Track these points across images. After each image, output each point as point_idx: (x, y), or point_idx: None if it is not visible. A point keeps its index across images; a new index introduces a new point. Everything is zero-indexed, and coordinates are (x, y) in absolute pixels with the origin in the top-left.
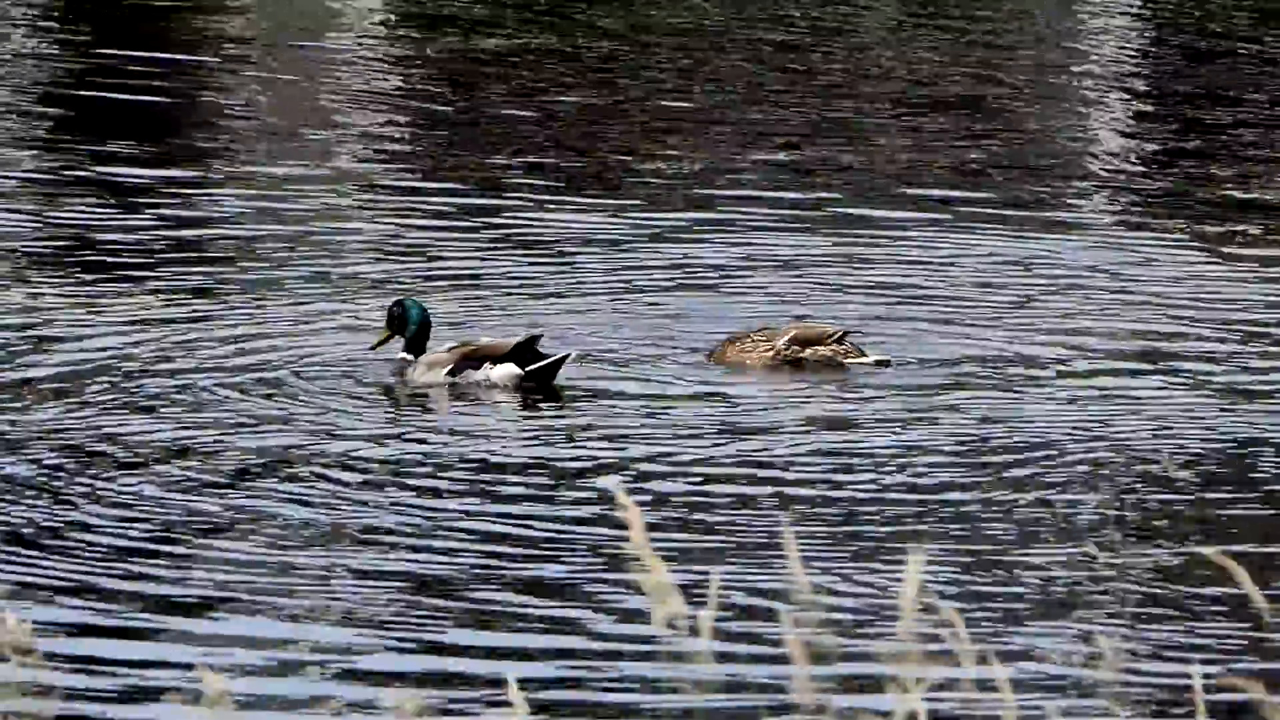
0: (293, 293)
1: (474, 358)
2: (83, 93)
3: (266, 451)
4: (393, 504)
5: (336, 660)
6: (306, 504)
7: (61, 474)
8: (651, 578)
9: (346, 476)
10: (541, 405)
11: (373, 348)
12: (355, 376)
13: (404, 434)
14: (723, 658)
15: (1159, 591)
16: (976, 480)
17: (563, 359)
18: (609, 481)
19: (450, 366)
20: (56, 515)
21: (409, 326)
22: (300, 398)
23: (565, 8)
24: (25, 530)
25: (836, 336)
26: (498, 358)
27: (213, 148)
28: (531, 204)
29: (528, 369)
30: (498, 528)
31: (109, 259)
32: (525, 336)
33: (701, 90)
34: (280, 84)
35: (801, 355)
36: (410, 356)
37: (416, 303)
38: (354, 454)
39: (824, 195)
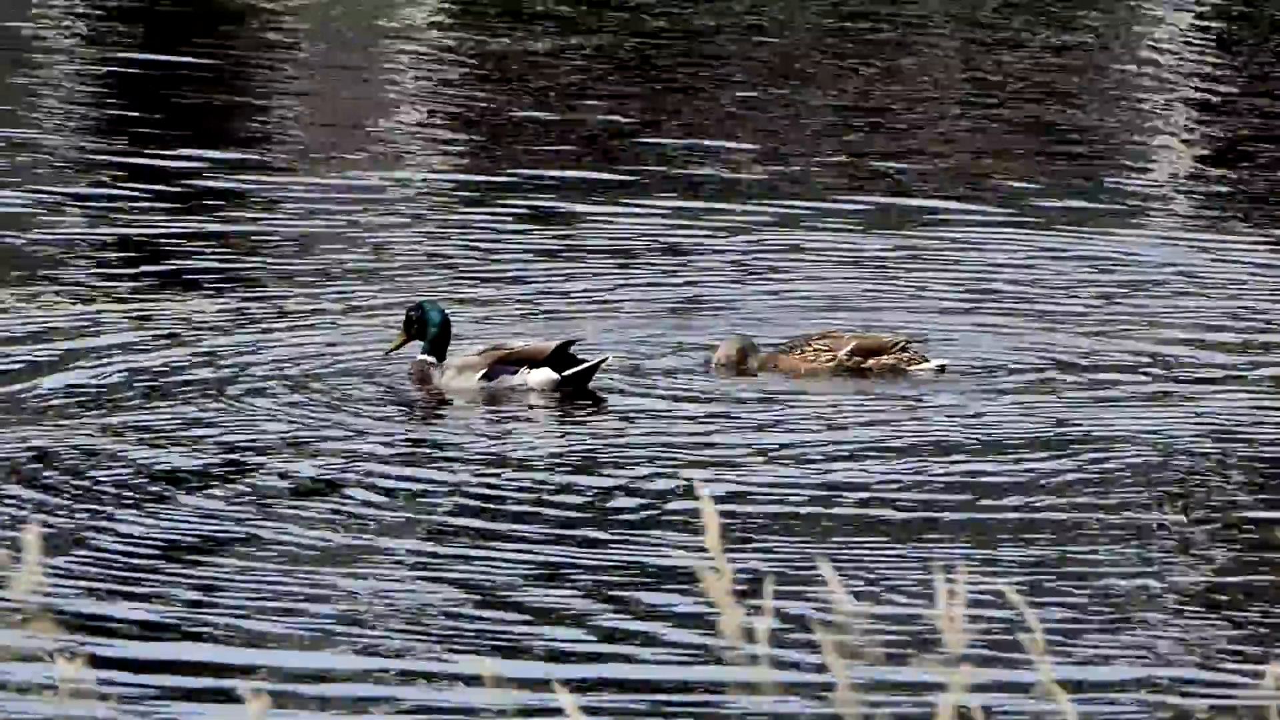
0: (344, 296)
1: (508, 361)
2: (138, 95)
3: (291, 458)
4: (434, 510)
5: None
6: (339, 512)
7: (102, 482)
8: (720, 584)
9: (381, 484)
10: (585, 412)
11: (387, 353)
12: (384, 382)
13: (444, 440)
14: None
15: (1222, 596)
16: (1039, 485)
17: (599, 363)
18: (695, 479)
19: (484, 371)
20: (105, 519)
21: (429, 330)
22: (325, 403)
23: (619, 7)
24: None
25: (899, 346)
26: (535, 362)
27: (266, 151)
28: (588, 205)
29: (565, 374)
30: (546, 534)
31: (162, 264)
32: (562, 340)
33: (761, 88)
34: (334, 85)
35: (864, 365)
36: (432, 360)
37: (436, 305)
38: (389, 462)
39: (887, 195)
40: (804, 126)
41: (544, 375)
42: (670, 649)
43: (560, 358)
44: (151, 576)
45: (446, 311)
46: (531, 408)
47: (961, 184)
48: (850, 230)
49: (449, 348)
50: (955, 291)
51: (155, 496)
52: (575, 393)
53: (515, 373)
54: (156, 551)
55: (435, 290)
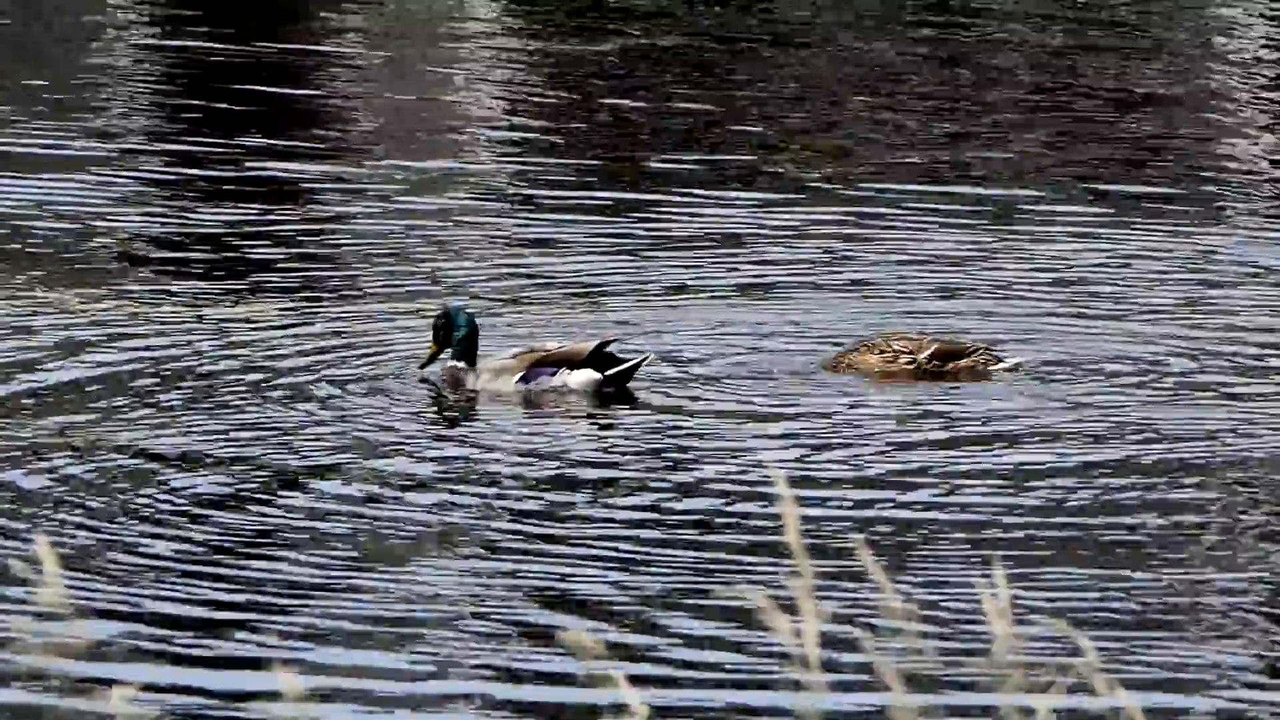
0: (402, 295)
1: (545, 363)
2: (202, 86)
3: (319, 458)
4: (499, 515)
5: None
6: (372, 515)
7: (148, 483)
8: (802, 582)
9: (427, 485)
10: (641, 413)
11: (422, 367)
12: (418, 386)
13: (507, 444)
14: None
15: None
16: (1113, 490)
17: (640, 362)
18: (774, 472)
19: (522, 373)
20: (138, 514)
21: (455, 334)
22: (364, 406)
23: (686, 9)
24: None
25: (976, 351)
26: (574, 363)
27: (333, 146)
28: (663, 203)
29: (607, 373)
30: (607, 536)
31: (224, 259)
32: (601, 341)
33: (839, 86)
34: (401, 81)
35: (944, 369)
36: (463, 364)
37: (462, 310)
38: (434, 464)
39: (970, 191)
40: (883, 122)
41: (586, 376)
42: (735, 656)
43: (600, 358)
44: (194, 579)
45: (475, 315)
46: (590, 413)
47: (1040, 181)
48: (927, 226)
49: (479, 351)
50: (1035, 290)
51: (192, 500)
52: (617, 393)
53: (554, 374)
54: (199, 552)
55: (499, 288)
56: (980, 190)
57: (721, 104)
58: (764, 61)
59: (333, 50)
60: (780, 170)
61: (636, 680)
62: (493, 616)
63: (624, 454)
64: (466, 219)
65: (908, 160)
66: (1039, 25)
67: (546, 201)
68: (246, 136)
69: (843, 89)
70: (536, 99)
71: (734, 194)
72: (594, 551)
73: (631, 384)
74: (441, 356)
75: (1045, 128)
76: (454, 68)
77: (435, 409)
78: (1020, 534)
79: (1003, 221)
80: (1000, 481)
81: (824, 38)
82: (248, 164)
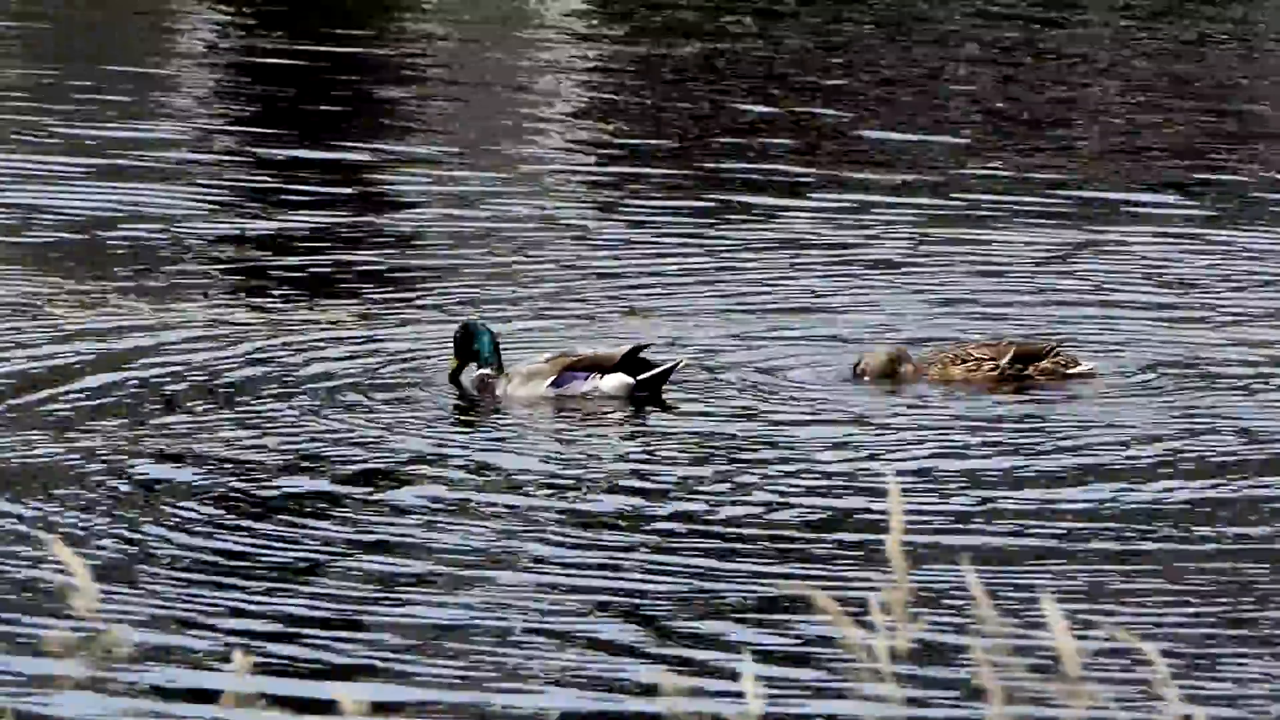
0: (484, 297)
1: (577, 368)
2: (281, 89)
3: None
4: (545, 524)
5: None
6: (430, 522)
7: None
8: (897, 595)
9: (461, 494)
10: (711, 419)
11: (452, 379)
12: (446, 394)
13: (562, 454)
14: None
15: None
16: (1179, 497)
17: (673, 367)
18: (886, 471)
19: (553, 378)
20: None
21: (474, 348)
22: (394, 412)
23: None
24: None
25: (1054, 350)
26: (606, 368)
27: (414, 146)
28: (741, 206)
29: (640, 378)
30: (669, 544)
31: (300, 263)
32: (634, 345)
33: (930, 87)
34: (475, 85)
35: (1025, 373)
36: (490, 371)
37: (482, 325)
38: (469, 469)
39: (1060, 192)
40: (971, 125)
41: (618, 380)
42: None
43: (633, 363)
44: (258, 585)
45: (495, 331)
46: (629, 418)
47: (1130, 181)
48: (1015, 226)
49: (505, 358)
50: (1126, 291)
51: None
52: (651, 399)
53: (586, 379)
54: (260, 559)
55: (585, 291)
56: (1070, 191)
57: (806, 106)
58: (862, 64)
59: (410, 53)
60: (862, 175)
61: (711, 693)
62: (553, 626)
63: (665, 459)
64: (545, 224)
65: (997, 158)
66: (1129, 24)
67: (626, 206)
68: (329, 142)
69: (926, 86)
70: (616, 102)
71: (816, 198)
72: (657, 559)
73: (668, 389)
74: (469, 367)
75: (1143, 124)
76: (533, 72)
77: (467, 416)
78: (1100, 543)
79: (1093, 222)
80: (1080, 488)
81: (905, 37)
82: (329, 171)
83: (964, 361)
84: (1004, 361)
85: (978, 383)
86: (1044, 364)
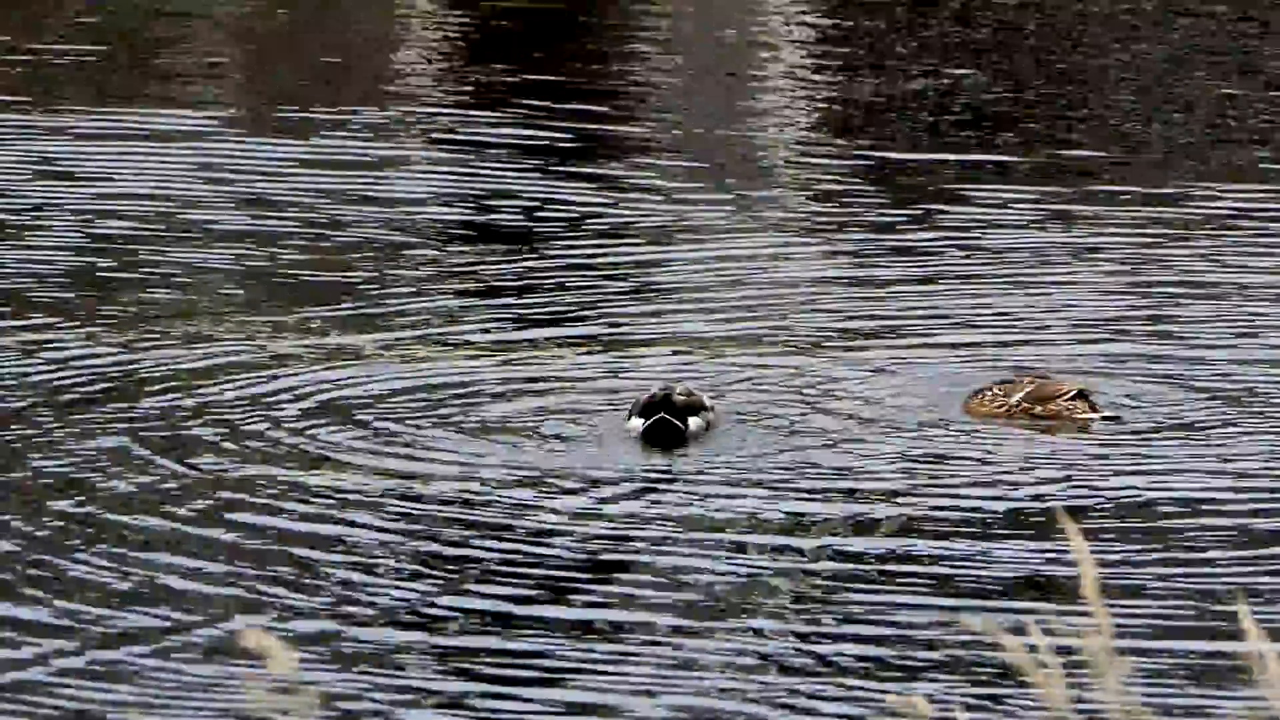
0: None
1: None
2: (492, 116)
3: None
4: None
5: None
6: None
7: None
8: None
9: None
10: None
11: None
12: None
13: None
14: None
15: None
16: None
17: (663, 418)
18: (1059, 511)
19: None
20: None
21: None
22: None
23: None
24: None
25: (1070, 395)
26: (641, 409)
27: (624, 177)
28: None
29: (647, 423)
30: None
31: (515, 296)
32: (665, 388)
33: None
34: (698, 111)
35: (1034, 411)
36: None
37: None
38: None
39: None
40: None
41: (636, 424)
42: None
43: (657, 407)
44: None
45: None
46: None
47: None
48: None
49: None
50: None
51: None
52: (673, 444)
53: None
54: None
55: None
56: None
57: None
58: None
59: (623, 75)
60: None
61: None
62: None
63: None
64: (767, 259)
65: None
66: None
67: (836, 238)
68: (539, 165)
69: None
70: (828, 136)
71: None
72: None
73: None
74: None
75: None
76: (750, 95)
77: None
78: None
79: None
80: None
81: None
82: (538, 195)
83: (981, 396)
84: (1013, 400)
85: (995, 418)
86: (1053, 406)
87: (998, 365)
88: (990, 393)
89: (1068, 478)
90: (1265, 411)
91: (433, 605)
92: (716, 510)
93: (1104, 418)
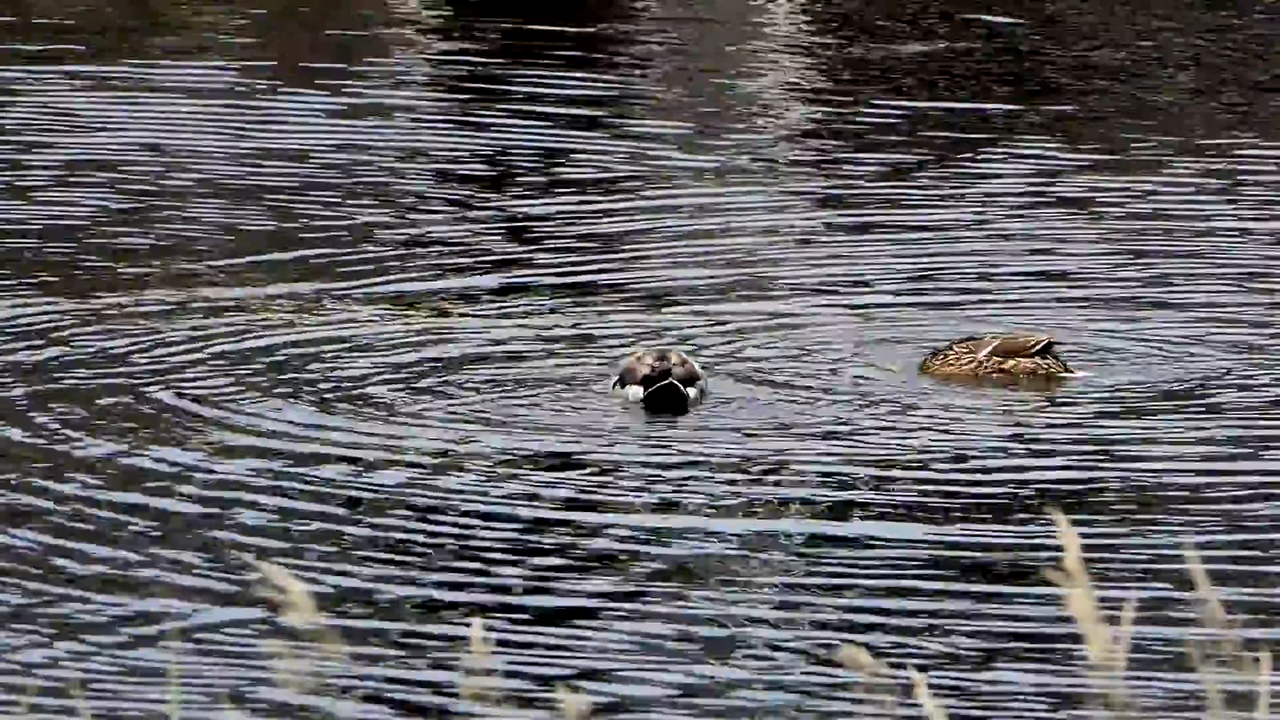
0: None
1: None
2: (489, 82)
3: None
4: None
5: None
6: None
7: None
8: (1084, 608)
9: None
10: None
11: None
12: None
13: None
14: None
15: None
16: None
17: (662, 386)
18: (1052, 503)
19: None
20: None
21: None
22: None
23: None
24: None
25: (1040, 348)
26: (637, 377)
27: (621, 140)
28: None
29: (647, 392)
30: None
31: (500, 253)
32: (659, 355)
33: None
34: (696, 100)
35: (1004, 367)
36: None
37: None
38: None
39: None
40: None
41: (635, 391)
42: None
43: (651, 376)
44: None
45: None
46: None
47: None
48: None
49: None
50: None
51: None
52: (677, 411)
53: (624, 385)
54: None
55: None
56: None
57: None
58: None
59: (626, 39)
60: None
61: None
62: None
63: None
64: (748, 214)
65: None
66: None
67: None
68: (533, 130)
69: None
70: (826, 99)
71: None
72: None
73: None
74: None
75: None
76: (750, 64)
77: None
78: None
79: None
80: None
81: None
82: (534, 159)
83: (944, 355)
84: (981, 355)
85: (961, 379)
86: (1025, 362)
87: (972, 320)
88: (953, 352)
89: (1040, 450)
90: (1234, 376)
91: (411, 586)
92: (695, 481)
93: (1071, 374)
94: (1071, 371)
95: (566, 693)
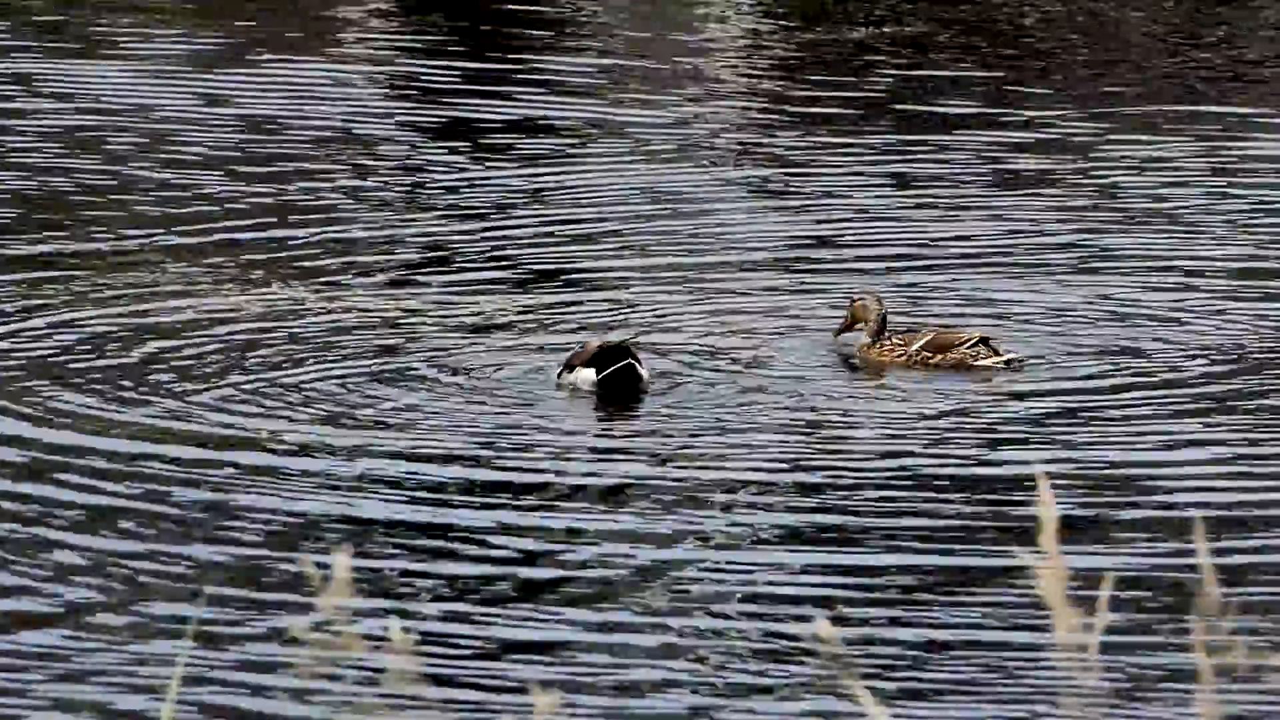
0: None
1: (574, 360)
2: (438, 95)
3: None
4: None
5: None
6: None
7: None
8: (1052, 586)
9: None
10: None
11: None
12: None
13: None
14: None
15: None
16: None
17: (622, 367)
18: (1034, 466)
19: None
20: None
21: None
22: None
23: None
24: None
25: (971, 342)
26: (584, 361)
27: (567, 145)
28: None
29: (601, 375)
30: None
31: (466, 254)
32: (604, 341)
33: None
34: (650, 82)
35: (932, 360)
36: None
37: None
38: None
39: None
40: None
41: (587, 375)
42: None
43: (604, 357)
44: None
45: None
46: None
47: None
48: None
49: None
50: None
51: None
52: (629, 396)
53: (572, 371)
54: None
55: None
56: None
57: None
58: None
59: (583, 20)
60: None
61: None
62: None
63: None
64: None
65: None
66: None
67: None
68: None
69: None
70: (778, 84)
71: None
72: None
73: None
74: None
75: None
76: (702, 66)
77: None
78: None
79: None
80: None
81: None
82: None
83: (879, 345)
84: (912, 349)
85: (891, 366)
86: (953, 356)
87: (925, 301)
88: (890, 342)
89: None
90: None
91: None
92: (652, 472)
93: (1006, 363)
94: (1002, 356)
95: (537, 691)
